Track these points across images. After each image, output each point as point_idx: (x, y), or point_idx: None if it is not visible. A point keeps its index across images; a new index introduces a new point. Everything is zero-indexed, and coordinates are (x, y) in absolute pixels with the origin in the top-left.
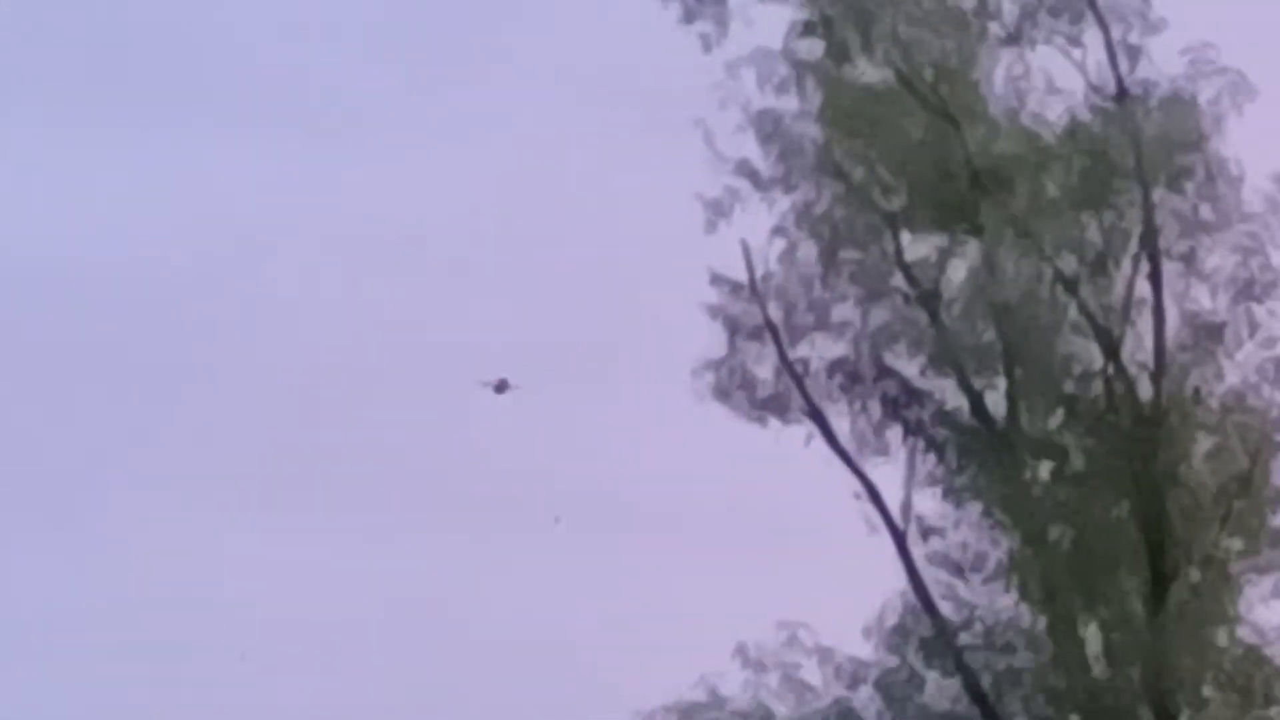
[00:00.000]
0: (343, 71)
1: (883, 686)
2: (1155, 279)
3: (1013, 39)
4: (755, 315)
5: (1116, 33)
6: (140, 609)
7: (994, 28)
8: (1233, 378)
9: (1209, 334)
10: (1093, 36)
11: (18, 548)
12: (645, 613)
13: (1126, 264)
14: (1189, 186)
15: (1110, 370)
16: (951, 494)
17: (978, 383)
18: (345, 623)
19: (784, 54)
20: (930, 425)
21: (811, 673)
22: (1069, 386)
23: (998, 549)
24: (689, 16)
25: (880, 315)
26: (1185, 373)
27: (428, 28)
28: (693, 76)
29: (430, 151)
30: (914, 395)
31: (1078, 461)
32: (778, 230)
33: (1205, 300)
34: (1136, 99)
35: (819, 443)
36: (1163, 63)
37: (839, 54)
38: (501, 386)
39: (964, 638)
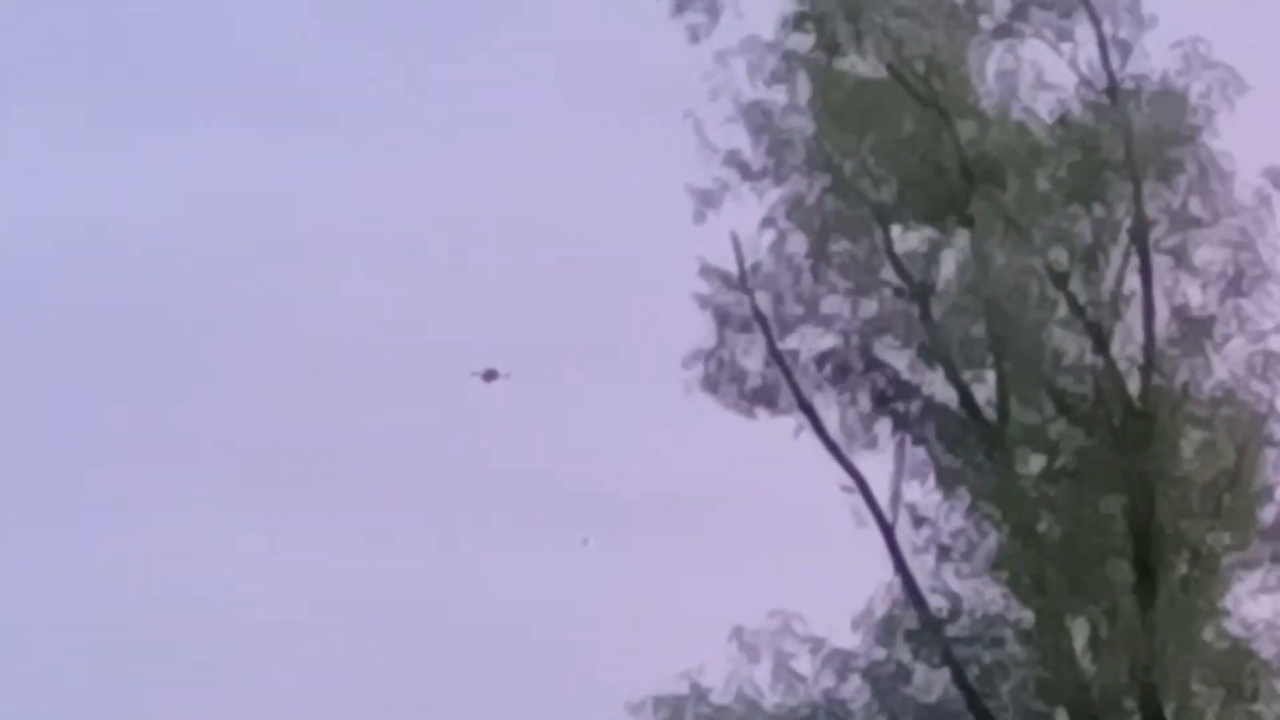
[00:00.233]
0: (337, 67)
1: (871, 678)
2: (1145, 273)
3: (1004, 32)
4: (745, 307)
5: (1108, 27)
6: (135, 605)
7: (985, 21)
8: (1222, 372)
9: (1198, 328)
10: (1084, 30)
11: (13, 546)
12: (636, 604)
13: (1116, 258)
14: (1179, 181)
15: (1100, 364)
16: (940, 487)
17: (967, 376)
18: (340, 615)
19: (774, 46)
20: (919, 418)
21: (802, 664)
22: (1058, 380)
23: (987, 542)
24: (680, 7)
25: (870, 307)
26: (1175, 367)
27: (419, 21)
28: (685, 68)
29: (421, 144)
30: (903, 388)
31: (1067, 455)
32: (767, 222)
33: (1195, 295)
34: (1127, 93)
35: (808, 435)
36: (1154, 57)
37: (830, 46)
38: (490, 375)
39: (952, 630)
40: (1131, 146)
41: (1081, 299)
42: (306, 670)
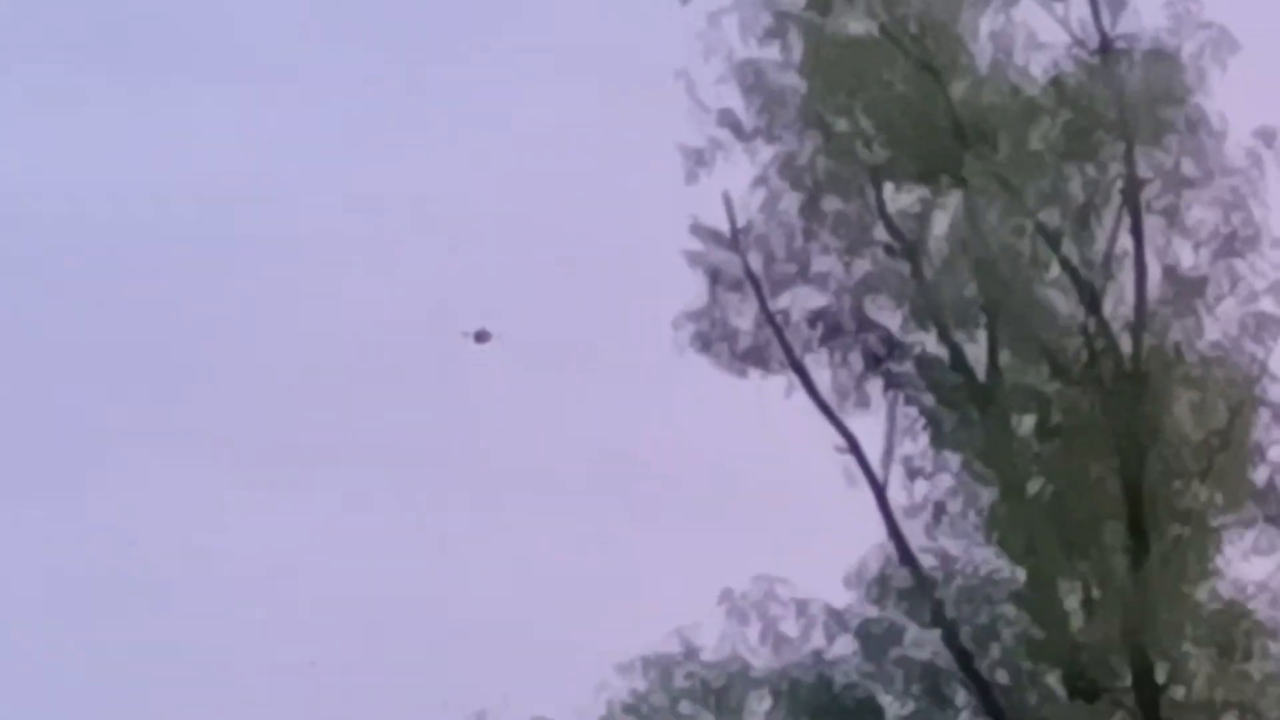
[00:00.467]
0: (336, 62)
1: (862, 636)
2: (1137, 233)
3: None
4: (736, 266)
5: None
6: (123, 573)
7: None
8: (1214, 333)
9: (1190, 288)
10: None
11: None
12: (626, 566)
13: (1109, 218)
14: (1171, 141)
15: (1091, 324)
16: (932, 447)
17: (959, 335)
18: (326, 581)
19: (767, 3)
20: (911, 378)
21: (791, 626)
22: (1050, 340)
23: (978, 502)
24: None
25: (862, 267)
26: (1166, 327)
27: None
28: (677, 30)
29: (411, 115)
30: (895, 347)
31: (1058, 415)
32: (759, 181)
33: (1187, 255)
34: (1120, 53)
35: (800, 395)
36: (1146, 17)
37: (822, 5)
38: (482, 336)
39: (944, 590)
40: (1124, 106)
41: (1074, 259)
42: (300, 646)
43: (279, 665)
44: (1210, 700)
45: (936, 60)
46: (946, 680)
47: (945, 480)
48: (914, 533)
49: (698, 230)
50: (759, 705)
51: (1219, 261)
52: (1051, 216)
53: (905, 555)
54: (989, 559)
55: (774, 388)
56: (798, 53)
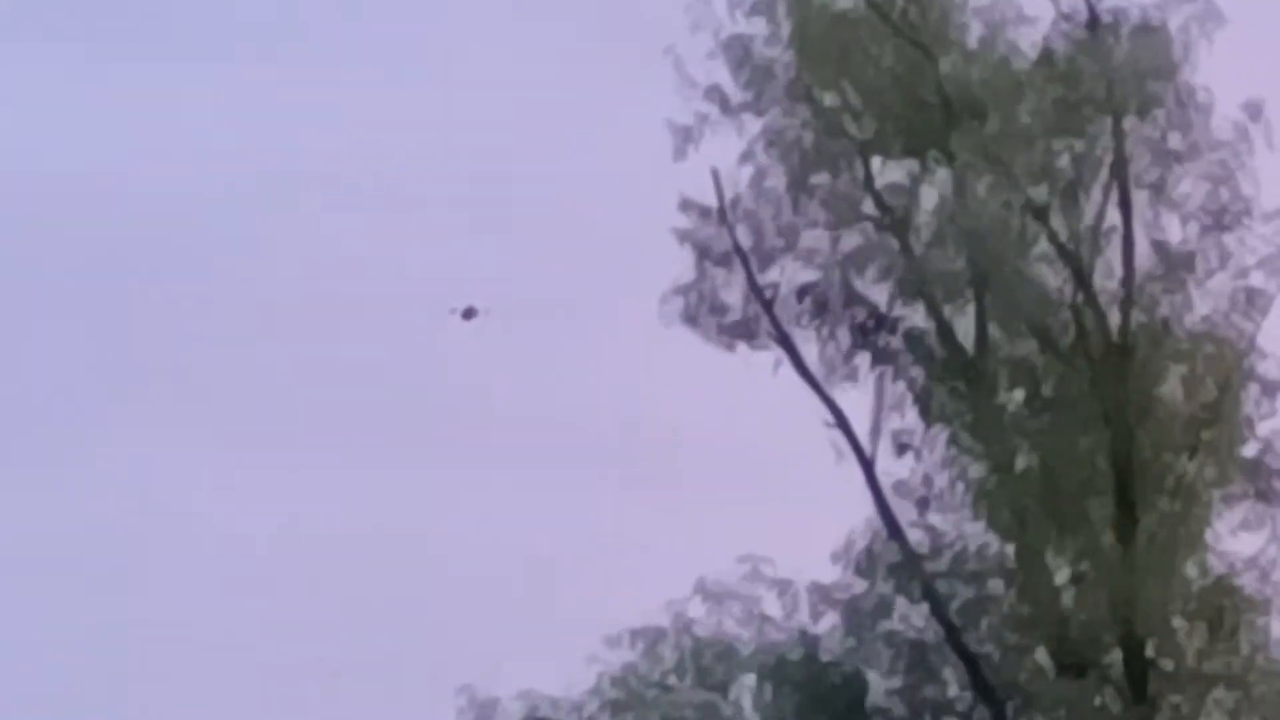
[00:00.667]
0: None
1: (849, 611)
2: (1125, 208)
3: None
4: (724, 240)
5: None
6: (105, 537)
7: None
8: (1203, 307)
9: (1179, 263)
10: None
11: None
12: (613, 542)
13: (1097, 192)
14: (1159, 115)
15: (1080, 299)
16: (921, 421)
17: (947, 310)
18: (314, 554)
19: None
20: (900, 352)
21: (774, 606)
22: (1039, 315)
23: (967, 477)
24: None
25: (850, 241)
26: (1155, 302)
27: None
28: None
29: (385, 77)
30: (883, 321)
31: (1047, 390)
32: (747, 155)
33: (1175, 229)
34: (1107, 27)
35: (788, 370)
36: None
37: None
38: (470, 313)
39: (932, 565)
40: (1112, 81)
41: (1062, 233)
42: (289, 619)
43: (266, 638)
44: (1198, 674)
45: (925, 35)
46: (935, 654)
47: (934, 455)
48: (902, 508)
49: (686, 205)
50: (746, 680)
51: (1207, 236)
52: (1040, 191)
53: (894, 530)
54: (978, 533)
55: (762, 362)
56: (786, 27)
